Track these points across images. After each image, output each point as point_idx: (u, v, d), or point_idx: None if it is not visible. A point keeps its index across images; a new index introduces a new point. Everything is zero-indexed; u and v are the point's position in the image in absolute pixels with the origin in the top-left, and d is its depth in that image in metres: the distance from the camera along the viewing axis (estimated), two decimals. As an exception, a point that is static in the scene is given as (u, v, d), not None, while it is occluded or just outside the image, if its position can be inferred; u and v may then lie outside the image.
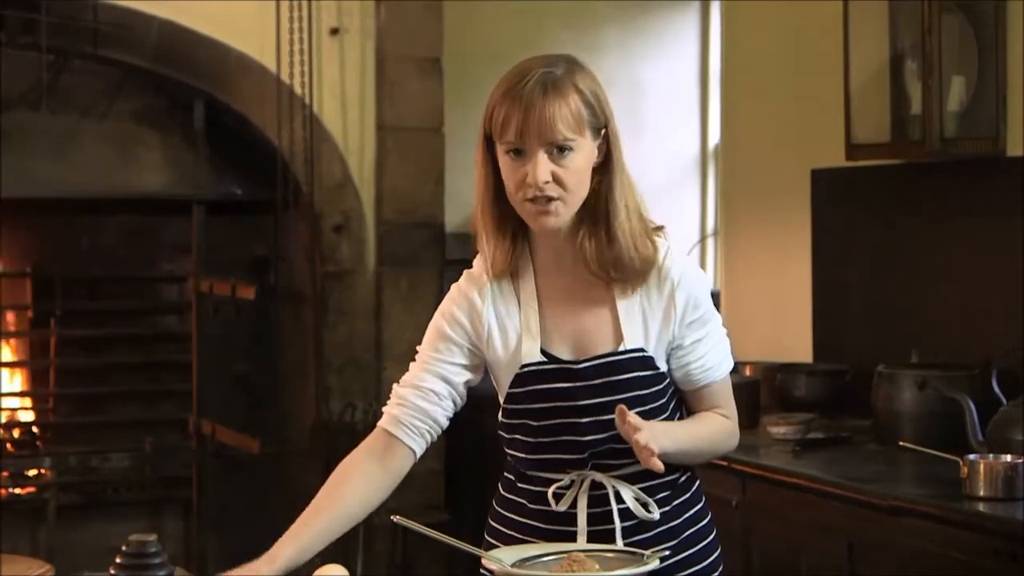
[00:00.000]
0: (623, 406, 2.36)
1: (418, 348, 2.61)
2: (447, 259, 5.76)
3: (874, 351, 4.47)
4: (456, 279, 2.66)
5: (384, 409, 2.57)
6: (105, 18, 5.41)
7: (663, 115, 6.57)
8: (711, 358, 2.55)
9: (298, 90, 5.54)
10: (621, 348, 2.48)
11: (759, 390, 4.57)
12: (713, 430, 2.59)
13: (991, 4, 4.14)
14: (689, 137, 6.58)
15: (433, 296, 5.69)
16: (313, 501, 2.54)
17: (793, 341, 4.96)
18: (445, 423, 2.56)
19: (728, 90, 5.60)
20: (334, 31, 5.66)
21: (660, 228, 2.53)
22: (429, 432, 2.55)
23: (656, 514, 2.51)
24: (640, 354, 2.49)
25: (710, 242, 6.58)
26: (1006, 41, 4.12)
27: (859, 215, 4.73)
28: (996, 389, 3.84)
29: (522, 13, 6.25)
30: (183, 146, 5.87)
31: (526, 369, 2.50)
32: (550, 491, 2.50)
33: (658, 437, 2.37)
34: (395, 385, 2.58)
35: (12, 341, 6.09)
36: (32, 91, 5.51)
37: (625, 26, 6.39)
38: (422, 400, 2.54)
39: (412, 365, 2.59)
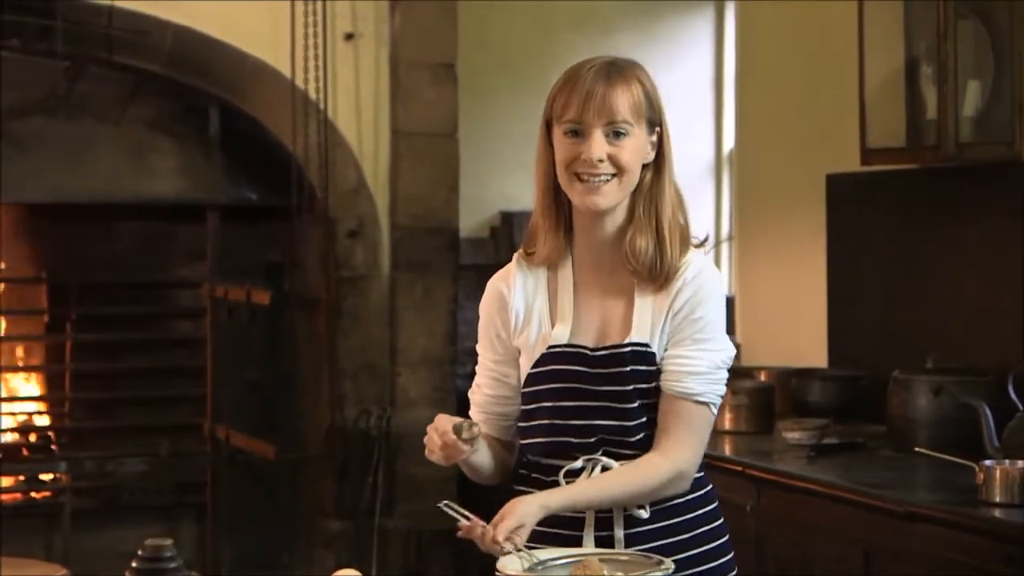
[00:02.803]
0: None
1: (477, 349, 2.72)
2: (461, 264, 5.75)
3: (889, 356, 4.46)
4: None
5: (471, 414, 2.71)
6: (120, 24, 5.42)
7: (677, 120, 6.54)
8: (685, 366, 2.54)
9: (313, 95, 5.55)
10: (626, 340, 2.55)
11: (774, 395, 4.56)
12: (622, 482, 2.54)
13: (1006, 9, 4.13)
14: (703, 142, 6.57)
15: (447, 302, 5.69)
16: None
17: (808, 346, 4.95)
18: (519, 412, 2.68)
19: (742, 95, 5.60)
20: (349, 36, 5.66)
21: (703, 242, 2.62)
22: (513, 425, 2.68)
23: (646, 514, 2.55)
24: (642, 348, 2.55)
25: (724, 247, 6.57)
26: (1022, 46, 4.11)
27: (874, 220, 4.72)
28: (1012, 395, 3.83)
29: (536, 20, 6.25)
30: (198, 151, 5.88)
31: (550, 350, 2.58)
32: (562, 472, 2.54)
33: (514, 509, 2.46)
34: (471, 394, 2.72)
35: (28, 345, 6.10)
36: (48, 97, 5.53)
37: (639, 31, 6.38)
38: (496, 405, 2.68)
39: (479, 370, 2.71)
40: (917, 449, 3.82)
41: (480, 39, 6.04)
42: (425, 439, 2.51)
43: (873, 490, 3.65)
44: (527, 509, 2.46)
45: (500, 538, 2.41)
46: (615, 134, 2.50)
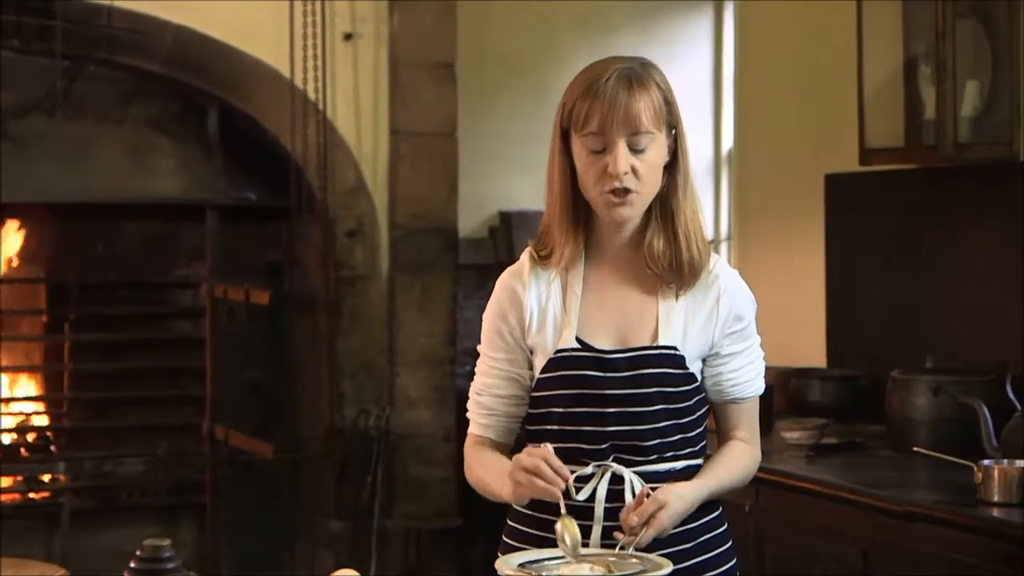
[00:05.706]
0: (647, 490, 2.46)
1: (479, 349, 2.68)
2: (460, 264, 5.75)
3: (888, 356, 4.46)
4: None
5: (471, 416, 2.67)
6: (120, 24, 5.42)
7: (676, 120, 6.55)
8: (744, 374, 2.62)
9: (312, 95, 5.55)
10: (655, 343, 2.54)
11: (773, 395, 4.56)
12: (740, 467, 2.64)
13: (1005, 9, 4.13)
14: (702, 142, 6.57)
15: (446, 302, 5.69)
16: (484, 466, 2.63)
17: (807, 346, 4.96)
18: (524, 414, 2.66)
19: (741, 95, 5.60)
20: (348, 36, 5.66)
21: (711, 241, 2.63)
22: (517, 430, 2.66)
23: None
24: (672, 352, 2.54)
25: (723, 247, 6.57)
26: (1020, 46, 4.11)
27: (873, 220, 4.72)
28: (1011, 395, 3.83)
29: (535, 19, 6.25)
30: (197, 151, 5.88)
31: (559, 354, 2.56)
32: (571, 479, 2.51)
33: (671, 514, 2.45)
34: (473, 393, 2.67)
35: (27, 345, 6.10)
36: (47, 97, 5.52)
37: (638, 31, 6.38)
38: (509, 406, 2.64)
39: (481, 369, 2.66)
40: (916, 449, 3.83)
41: (479, 39, 6.04)
42: (529, 464, 2.43)
43: (872, 490, 3.65)
44: (685, 507, 2.50)
45: (649, 536, 2.43)
46: (638, 143, 2.48)
